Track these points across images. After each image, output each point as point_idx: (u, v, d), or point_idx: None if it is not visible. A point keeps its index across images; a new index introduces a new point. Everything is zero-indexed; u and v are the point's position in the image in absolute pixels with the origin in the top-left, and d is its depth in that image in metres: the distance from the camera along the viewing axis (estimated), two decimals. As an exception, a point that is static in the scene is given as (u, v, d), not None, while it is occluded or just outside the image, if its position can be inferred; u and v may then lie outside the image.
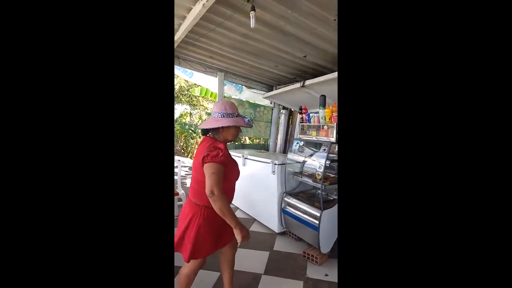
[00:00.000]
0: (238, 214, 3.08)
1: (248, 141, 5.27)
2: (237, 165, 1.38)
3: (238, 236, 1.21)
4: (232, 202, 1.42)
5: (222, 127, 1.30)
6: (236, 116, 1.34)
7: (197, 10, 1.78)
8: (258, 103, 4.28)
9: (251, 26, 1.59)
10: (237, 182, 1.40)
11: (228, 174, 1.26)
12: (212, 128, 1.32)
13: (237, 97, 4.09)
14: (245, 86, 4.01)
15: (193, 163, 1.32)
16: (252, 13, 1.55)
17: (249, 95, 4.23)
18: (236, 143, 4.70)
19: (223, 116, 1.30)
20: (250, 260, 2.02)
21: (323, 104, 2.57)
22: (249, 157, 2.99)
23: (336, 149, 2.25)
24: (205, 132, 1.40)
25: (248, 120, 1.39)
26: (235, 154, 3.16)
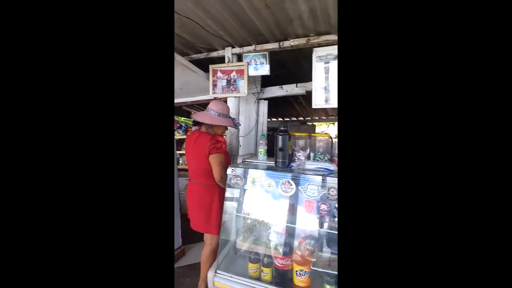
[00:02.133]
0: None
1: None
2: (229, 154, 1.68)
3: None
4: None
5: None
6: (229, 117, 1.60)
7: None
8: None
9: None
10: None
11: (227, 161, 1.57)
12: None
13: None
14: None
15: (191, 154, 1.57)
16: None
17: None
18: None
19: (219, 115, 1.55)
20: None
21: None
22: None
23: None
24: (197, 122, 1.76)
25: (237, 122, 1.70)
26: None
